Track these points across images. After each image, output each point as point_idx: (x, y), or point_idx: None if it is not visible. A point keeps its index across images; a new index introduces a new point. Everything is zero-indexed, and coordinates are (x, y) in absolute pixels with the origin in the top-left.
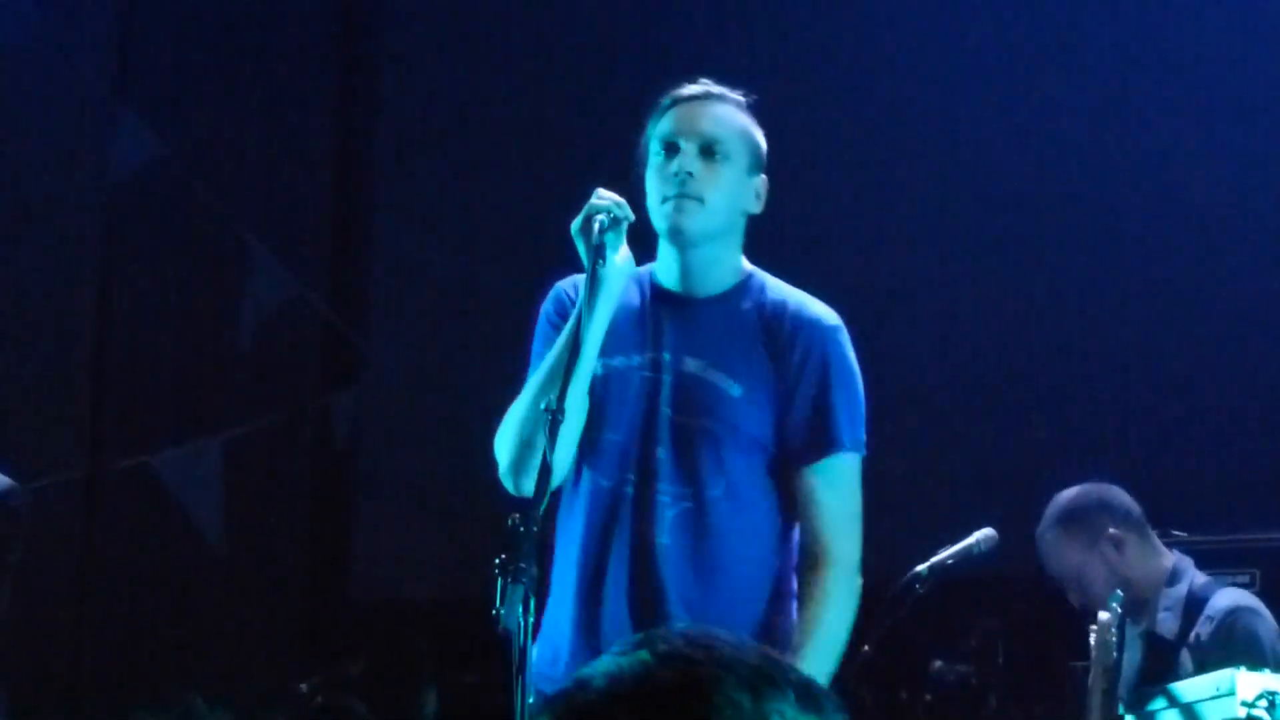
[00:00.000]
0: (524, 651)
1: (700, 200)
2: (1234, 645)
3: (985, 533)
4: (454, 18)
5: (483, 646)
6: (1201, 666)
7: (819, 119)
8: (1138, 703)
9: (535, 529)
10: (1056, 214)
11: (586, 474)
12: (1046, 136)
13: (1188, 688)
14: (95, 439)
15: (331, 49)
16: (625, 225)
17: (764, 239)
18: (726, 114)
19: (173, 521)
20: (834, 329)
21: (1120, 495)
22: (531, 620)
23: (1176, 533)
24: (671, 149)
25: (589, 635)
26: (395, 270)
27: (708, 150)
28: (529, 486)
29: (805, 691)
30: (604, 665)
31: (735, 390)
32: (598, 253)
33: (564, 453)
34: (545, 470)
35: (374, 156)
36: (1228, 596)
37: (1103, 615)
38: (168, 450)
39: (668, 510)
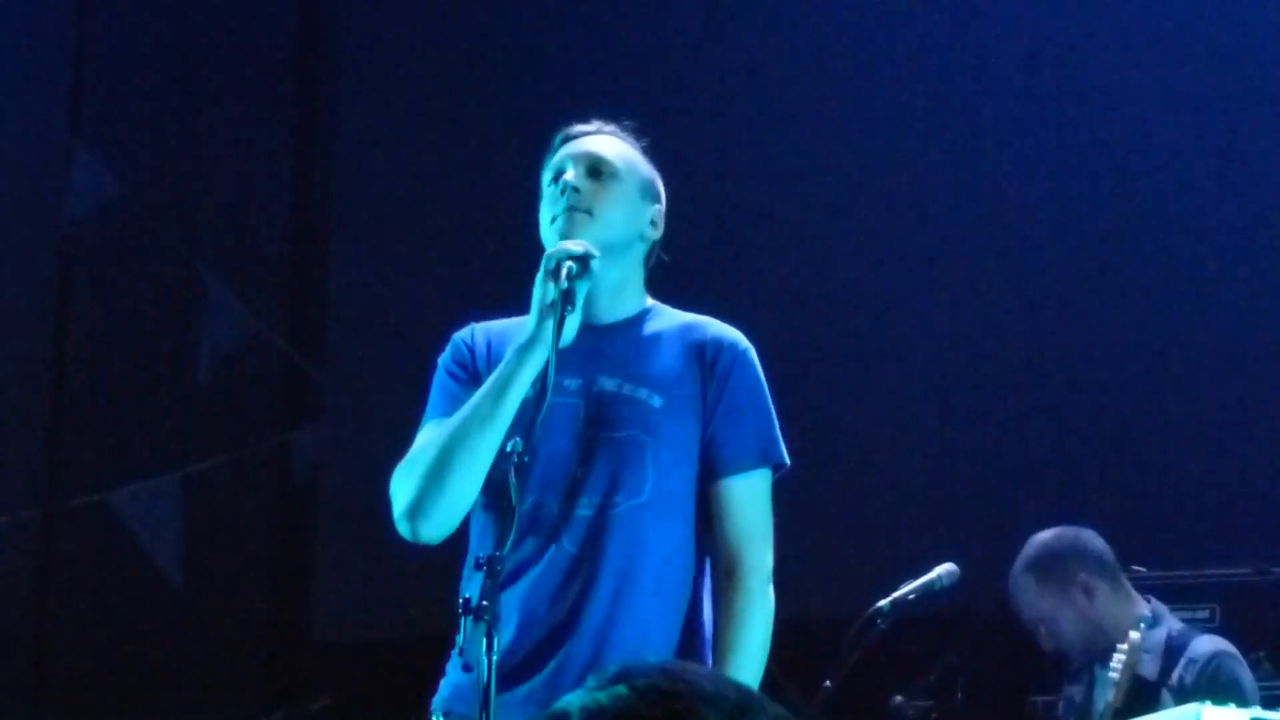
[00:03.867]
0: (487, 690)
1: (588, 212)
2: (1219, 691)
3: (946, 567)
4: (411, 57)
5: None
6: None
7: (794, 121)
8: None
9: (500, 569)
10: (1029, 246)
11: (505, 500)
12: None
13: None
14: (51, 477)
15: (288, 87)
16: (592, 270)
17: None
18: (614, 143)
19: (131, 560)
20: (748, 349)
21: (1094, 541)
22: (495, 659)
23: (1137, 568)
24: (559, 174)
25: (511, 654)
26: (353, 305)
27: (594, 170)
28: (429, 532)
29: None
30: (580, 700)
31: (656, 401)
32: (566, 299)
33: (475, 484)
34: (511, 512)
35: (331, 192)
36: (1208, 643)
37: (1133, 634)
38: (126, 488)
39: (591, 521)
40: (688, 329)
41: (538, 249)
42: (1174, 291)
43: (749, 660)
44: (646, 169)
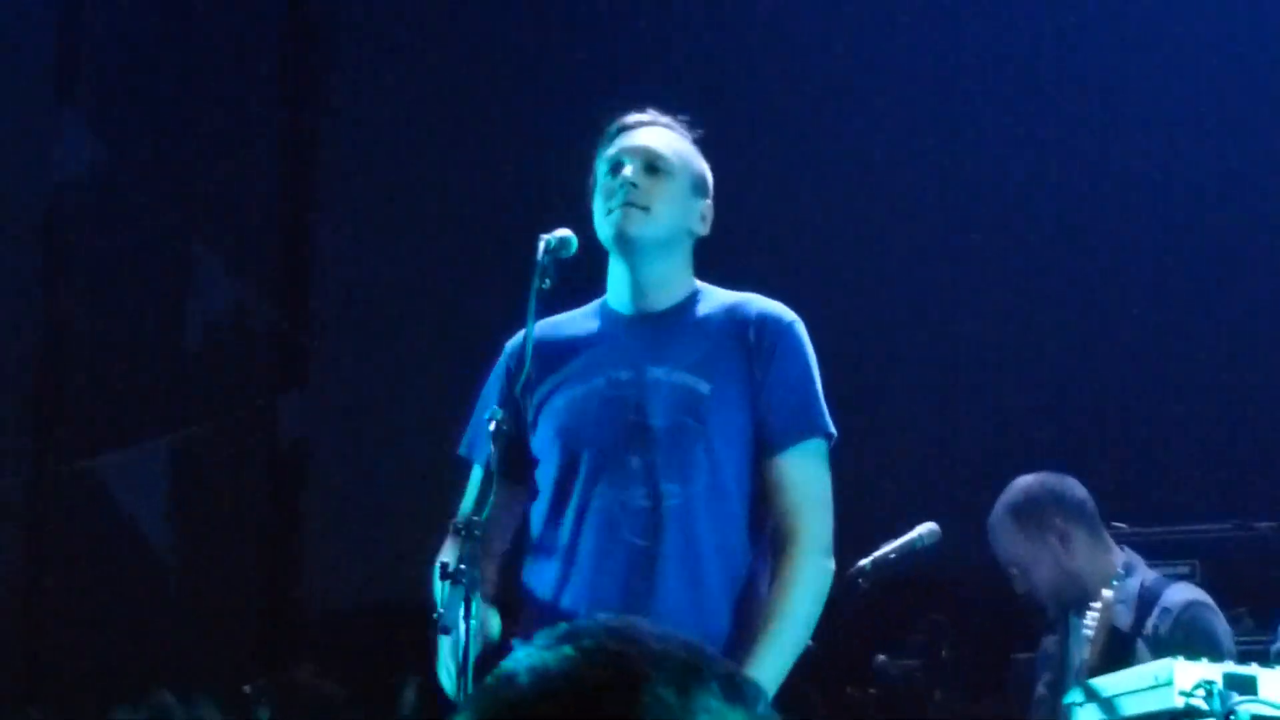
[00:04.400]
0: (465, 651)
1: (645, 209)
2: (1194, 640)
3: (927, 526)
4: (398, 28)
5: (429, 651)
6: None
7: (800, 119)
8: (1080, 691)
9: (478, 534)
10: (1003, 214)
11: (562, 491)
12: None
13: (1126, 677)
14: (40, 444)
15: (276, 56)
16: (567, 254)
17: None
18: (670, 137)
19: (120, 524)
20: (794, 322)
21: (1074, 488)
22: (474, 624)
23: (1118, 524)
24: (617, 167)
25: None
26: (341, 272)
27: (651, 166)
28: None
29: (730, 683)
30: (527, 659)
31: (704, 388)
32: (543, 274)
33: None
34: (489, 478)
35: (319, 160)
36: (1181, 591)
37: (1106, 593)
38: (115, 454)
39: (650, 511)
40: (732, 310)
41: (519, 220)
42: (1159, 254)
43: (788, 626)
44: (699, 164)
